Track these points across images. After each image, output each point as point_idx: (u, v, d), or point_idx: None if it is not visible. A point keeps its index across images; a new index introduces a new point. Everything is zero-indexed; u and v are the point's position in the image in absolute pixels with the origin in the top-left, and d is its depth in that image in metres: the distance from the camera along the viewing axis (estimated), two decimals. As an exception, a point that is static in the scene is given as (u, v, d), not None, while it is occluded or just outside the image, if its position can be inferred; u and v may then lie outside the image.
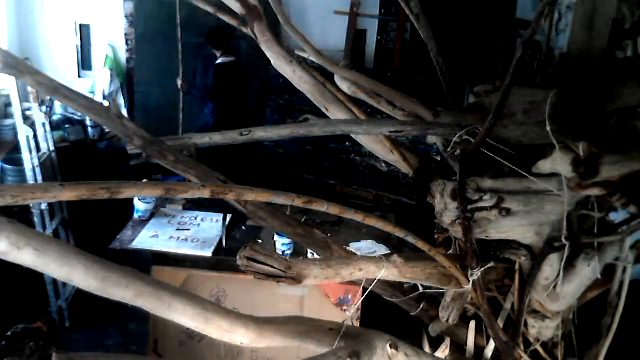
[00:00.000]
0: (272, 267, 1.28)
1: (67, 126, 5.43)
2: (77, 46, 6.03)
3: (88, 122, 5.50)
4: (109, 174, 5.25)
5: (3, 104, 4.82)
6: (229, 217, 3.61)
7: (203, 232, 3.63)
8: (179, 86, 4.74)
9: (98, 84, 5.95)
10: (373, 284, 1.56)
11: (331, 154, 5.96)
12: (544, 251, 1.59)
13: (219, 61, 5.44)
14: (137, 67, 6.09)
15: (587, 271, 1.60)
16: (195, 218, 3.80)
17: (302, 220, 2.98)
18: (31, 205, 3.90)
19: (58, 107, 5.52)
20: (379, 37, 6.24)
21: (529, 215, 1.55)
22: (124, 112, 5.76)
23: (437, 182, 1.63)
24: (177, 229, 3.64)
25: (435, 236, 1.86)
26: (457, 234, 1.64)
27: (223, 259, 3.42)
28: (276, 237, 3.44)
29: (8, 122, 4.58)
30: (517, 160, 1.53)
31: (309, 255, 2.85)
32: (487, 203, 1.52)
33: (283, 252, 3.36)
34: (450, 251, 1.88)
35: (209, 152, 1.97)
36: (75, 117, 5.54)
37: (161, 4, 6.00)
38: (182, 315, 1.25)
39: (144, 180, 3.17)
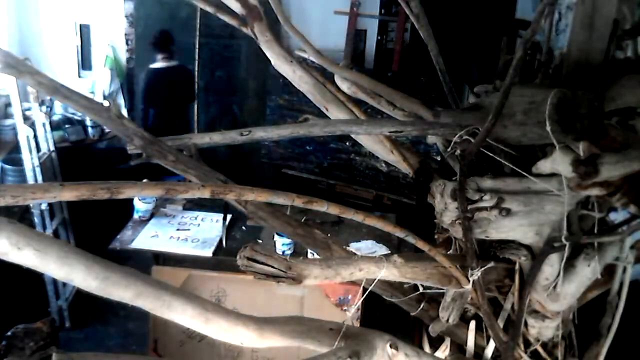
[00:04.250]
0: (272, 267, 1.28)
1: (67, 126, 5.43)
2: (77, 46, 6.02)
3: (88, 122, 5.50)
4: (109, 174, 5.25)
5: (3, 104, 4.82)
6: (229, 217, 3.61)
7: (203, 232, 3.63)
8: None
9: (98, 84, 5.95)
10: (373, 284, 1.56)
11: (331, 154, 5.96)
12: (544, 251, 1.59)
13: (153, 65, 5.34)
14: (137, 67, 6.08)
15: (587, 271, 1.60)
16: (195, 218, 3.80)
17: (302, 220, 2.98)
18: (31, 205, 3.90)
19: (58, 107, 5.52)
20: (379, 37, 6.24)
21: (529, 215, 1.55)
22: (124, 112, 5.76)
23: (437, 182, 1.63)
24: (177, 229, 3.64)
25: (435, 236, 1.85)
26: (457, 234, 1.64)
27: (223, 259, 3.42)
28: (276, 237, 3.45)
29: (8, 122, 4.57)
30: (517, 160, 1.53)
31: (309, 255, 2.85)
32: (487, 203, 1.52)
33: (283, 252, 3.36)
34: (450, 251, 1.88)
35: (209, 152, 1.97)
36: (75, 117, 5.54)
37: (161, 4, 6.02)
38: (182, 315, 1.25)
39: (144, 180, 3.17)
